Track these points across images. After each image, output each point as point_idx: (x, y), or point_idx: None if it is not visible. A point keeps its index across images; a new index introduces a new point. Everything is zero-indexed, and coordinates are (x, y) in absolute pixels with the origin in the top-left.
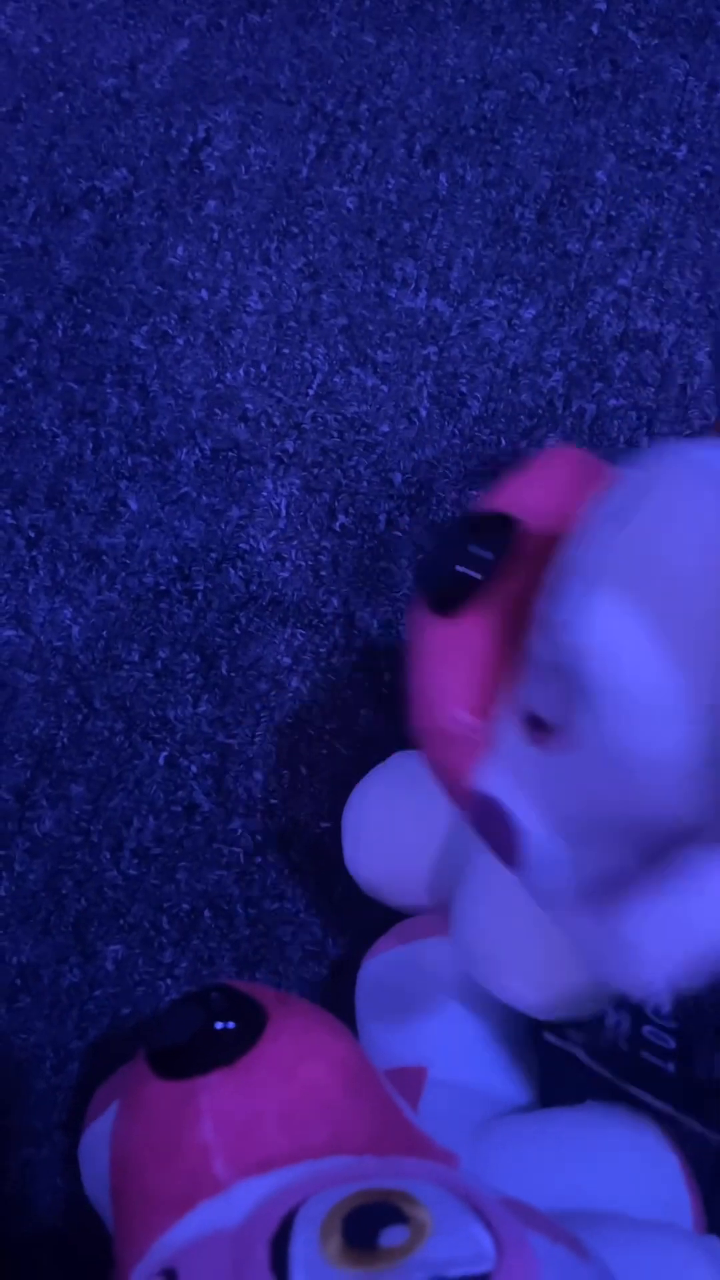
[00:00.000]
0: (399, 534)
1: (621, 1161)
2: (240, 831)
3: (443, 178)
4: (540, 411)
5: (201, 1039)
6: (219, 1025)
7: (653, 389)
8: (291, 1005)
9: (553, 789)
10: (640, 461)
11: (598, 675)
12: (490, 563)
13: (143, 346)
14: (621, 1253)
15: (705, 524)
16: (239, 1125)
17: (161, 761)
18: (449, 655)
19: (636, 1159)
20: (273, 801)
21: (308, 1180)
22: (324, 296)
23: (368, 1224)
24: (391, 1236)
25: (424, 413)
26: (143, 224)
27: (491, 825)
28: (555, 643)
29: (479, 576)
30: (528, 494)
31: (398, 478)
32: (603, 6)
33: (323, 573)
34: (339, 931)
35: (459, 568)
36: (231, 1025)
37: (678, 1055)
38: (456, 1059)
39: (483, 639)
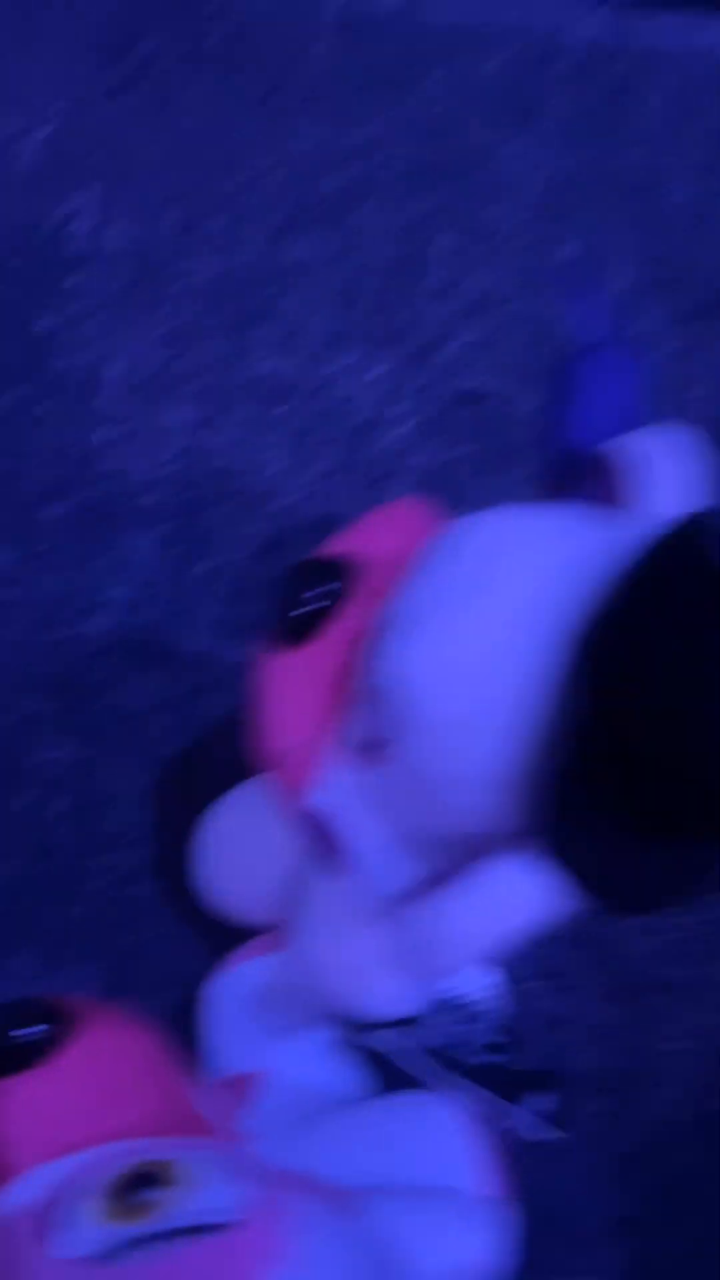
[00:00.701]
0: (253, 582)
1: (417, 1142)
2: (103, 867)
3: (294, 252)
4: (386, 465)
5: (8, 1046)
6: (25, 1031)
7: (485, 442)
8: (96, 1010)
9: (379, 804)
10: (462, 520)
11: (410, 705)
12: (330, 601)
13: (10, 410)
14: (406, 1218)
15: (507, 581)
16: (43, 1118)
17: (24, 805)
18: (291, 682)
19: (432, 1139)
20: (135, 836)
21: (93, 1160)
22: (183, 361)
23: (133, 1186)
24: (152, 1195)
25: (277, 469)
26: (7, 297)
27: (320, 835)
28: (378, 673)
29: (320, 613)
30: (368, 541)
31: (251, 529)
32: (442, 92)
33: (181, 619)
34: (201, 958)
35: (301, 606)
36: (40, 1029)
37: (495, 1049)
38: (294, 1062)
39: (320, 668)
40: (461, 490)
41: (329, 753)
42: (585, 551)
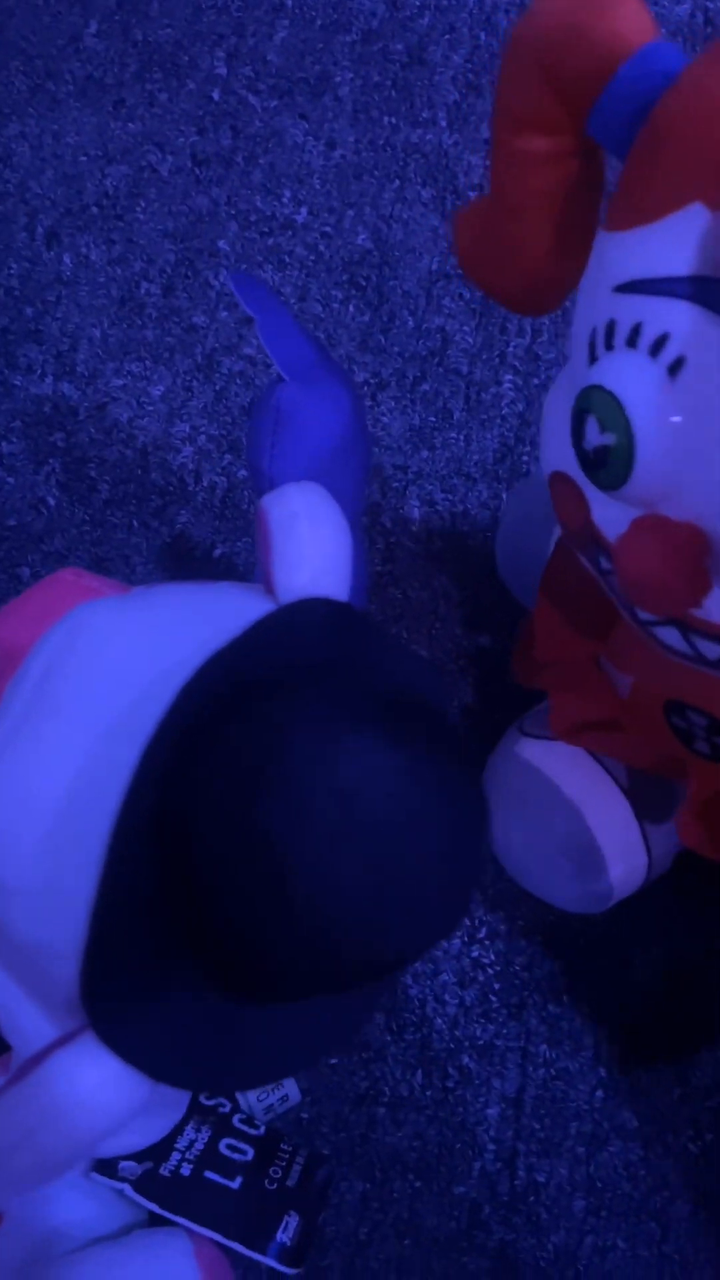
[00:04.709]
0: None
1: None
2: None
3: (66, 258)
4: (171, 489)
5: None
6: None
7: None
8: None
9: None
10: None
11: None
12: None
13: None
14: None
15: (71, 712)
16: None
17: None
18: None
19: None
20: None
21: None
22: None
23: None
24: None
25: (53, 502)
26: None
27: None
28: None
29: None
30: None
31: (25, 572)
32: (223, 71)
33: None
34: None
35: None
36: None
37: (250, 1167)
38: (33, 1204)
39: None
40: (254, 513)
41: None
42: (161, 667)
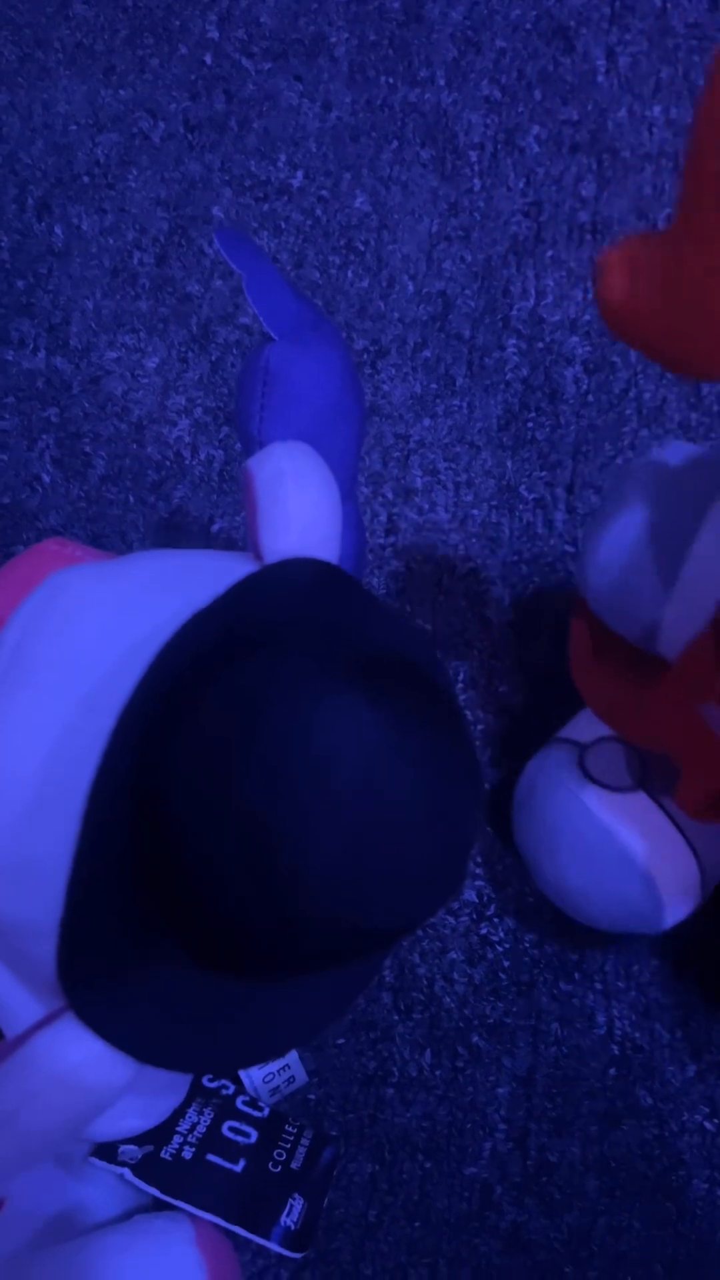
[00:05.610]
0: None
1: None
2: None
3: (58, 229)
4: (168, 464)
5: None
6: None
7: None
8: None
9: None
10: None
11: None
12: None
13: None
14: None
15: (44, 683)
16: None
17: None
18: None
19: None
20: None
21: None
22: None
23: None
24: None
25: (47, 479)
26: None
27: None
28: None
29: None
30: None
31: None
32: (215, 35)
33: None
34: None
35: None
36: None
37: (254, 1149)
38: (33, 1190)
39: None
40: None
41: None
42: (138, 633)
